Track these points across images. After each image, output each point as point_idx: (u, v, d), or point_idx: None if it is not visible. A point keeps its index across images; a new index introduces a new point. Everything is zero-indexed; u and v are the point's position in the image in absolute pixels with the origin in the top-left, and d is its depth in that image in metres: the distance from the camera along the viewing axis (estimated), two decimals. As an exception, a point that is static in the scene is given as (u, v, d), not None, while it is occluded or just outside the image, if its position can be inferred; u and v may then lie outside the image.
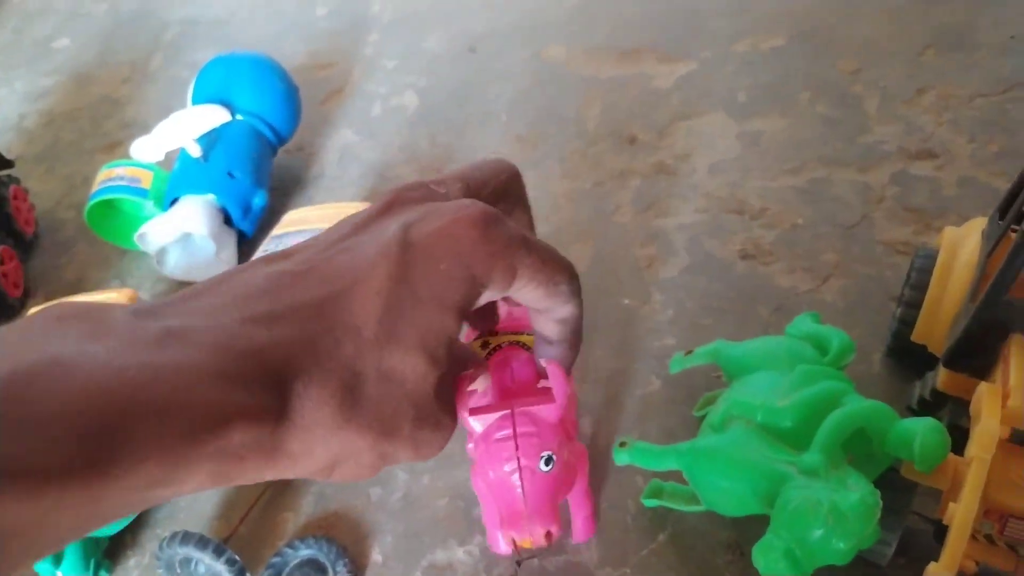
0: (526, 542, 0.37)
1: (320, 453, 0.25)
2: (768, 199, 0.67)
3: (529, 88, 0.84)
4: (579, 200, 0.70)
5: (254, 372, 0.24)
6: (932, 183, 0.65)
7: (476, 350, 0.43)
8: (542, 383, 0.38)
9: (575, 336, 0.34)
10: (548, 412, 0.37)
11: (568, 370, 0.35)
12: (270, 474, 0.25)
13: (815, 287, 0.59)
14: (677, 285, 0.61)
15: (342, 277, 0.26)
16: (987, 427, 0.35)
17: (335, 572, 0.46)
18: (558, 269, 0.30)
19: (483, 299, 0.28)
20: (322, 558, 0.46)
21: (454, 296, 0.27)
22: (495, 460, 0.37)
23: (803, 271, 0.60)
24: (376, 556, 0.48)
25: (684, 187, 0.69)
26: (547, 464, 0.37)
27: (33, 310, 0.28)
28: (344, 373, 0.25)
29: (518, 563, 0.39)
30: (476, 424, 0.37)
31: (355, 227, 0.28)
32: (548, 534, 0.37)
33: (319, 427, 0.25)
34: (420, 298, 0.26)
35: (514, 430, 0.37)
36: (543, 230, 0.67)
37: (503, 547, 0.39)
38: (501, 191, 0.33)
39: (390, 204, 0.29)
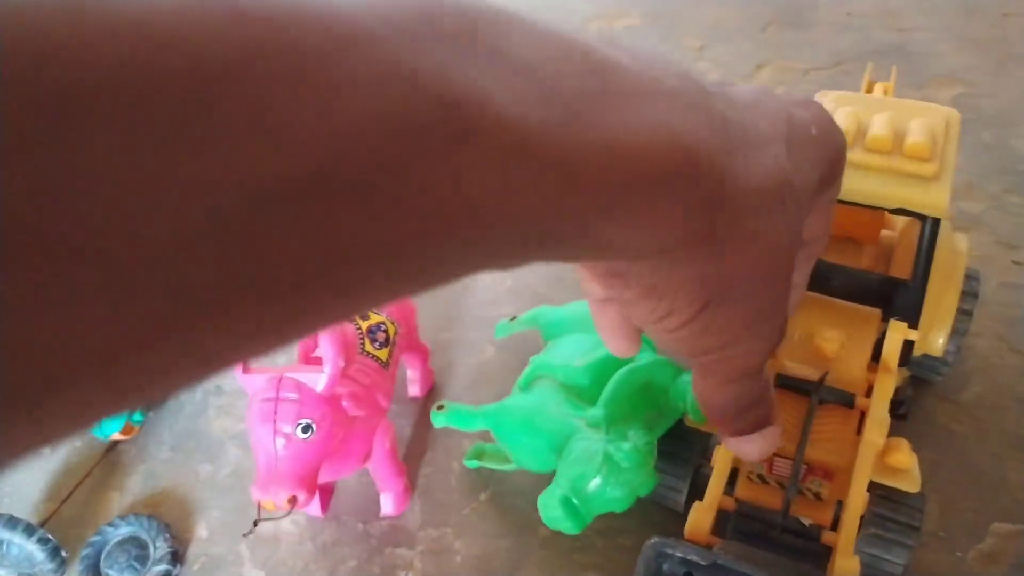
0: (269, 504, 0.38)
1: (732, 254, 0.22)
2: (610, 172, 0.69)
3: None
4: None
5: (720, 120, 0.21)
6: (763, 153, 0.68)
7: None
8: (316, 352, 0.39)
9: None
10: (315, 382, 0.38)
11: None
12: (683, 262, 0.21)
13: (646, 254, 0.61)
14: (518, 257, 0.63)
15: (759, 100, 0.24)
16: (748, 373, 0.37)
17: (155, 547, 0.46)
18: None
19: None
20: (143, 534, 0.46)
21: (821, 156, 0.25)
22: (257, 420, 0.38)
23: (637, 240, 0.62)
24: (202, 531, 0.48)
25: (531, 162, 0.71)
26: (305, 431, 0.38)
27: None
28: (772, 167, 0.22)
29: (255, 523, 0.40)
30: (249, 384, 0.38)
31: (757, 91, 0.25)
32: (292, 499, 0.38)
33: (744, 209, 0.21)
34: (803, 144, 0.24)
35: (277, 394, 0.38)
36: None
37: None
38: None
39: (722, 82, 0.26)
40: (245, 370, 0.40)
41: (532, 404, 0.43)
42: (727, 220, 0.21)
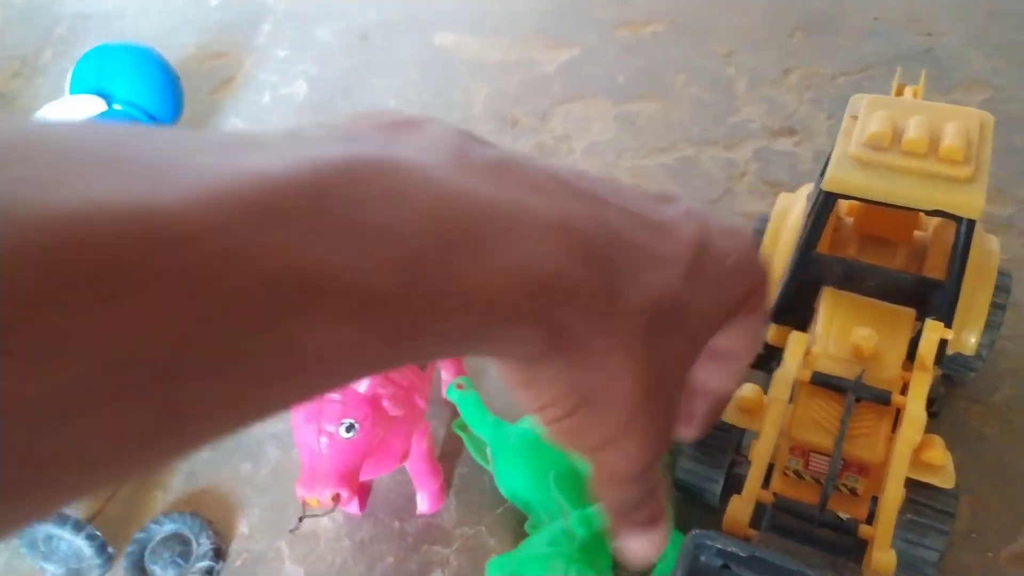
0: (313, 501, 0.39)
1: (602, 366, 0.22)
2: (639, 176, 0.69)
3: (418, 75, 0.85)
4: (460, 182, 0.72)
5: (594, 240, 0.21)
6: (791, 158, 0.69)
7: None
8: None
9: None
10: (358, 382, 0.39)
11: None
12: (553, 370, 0.22)
13: (676, 257, 0.62)
14: (548, 260, 0.63)
15: (656, 214, 0.24)
16: (784, 372, 0.38)
17: (199, 543, 0.47)
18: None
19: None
20: (186, 531, 0.47)
21: (728, 294, 0.25)
22: (302, 419, 0.39)
23: (667, 243, 0.63)
24: (243, 528, 0.49)
25: (560, 167, 0.71)
26: (348, 431, 0.39)
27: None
28: (660, 290, 0.22)
29: (300, 519, 0.41)
30: None
31: (648, 196, 0.25)
32: (336, 497, 0.39)
33: (622, 332, 0.22)
34: (710, 277, 0.24)
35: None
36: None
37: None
38: None
39: (663, 197, 0.27)
40: None
41: (534, 450, 0.44)
42: (596, 333, 0.21)
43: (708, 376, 0.28)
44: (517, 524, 0.48)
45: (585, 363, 0.22)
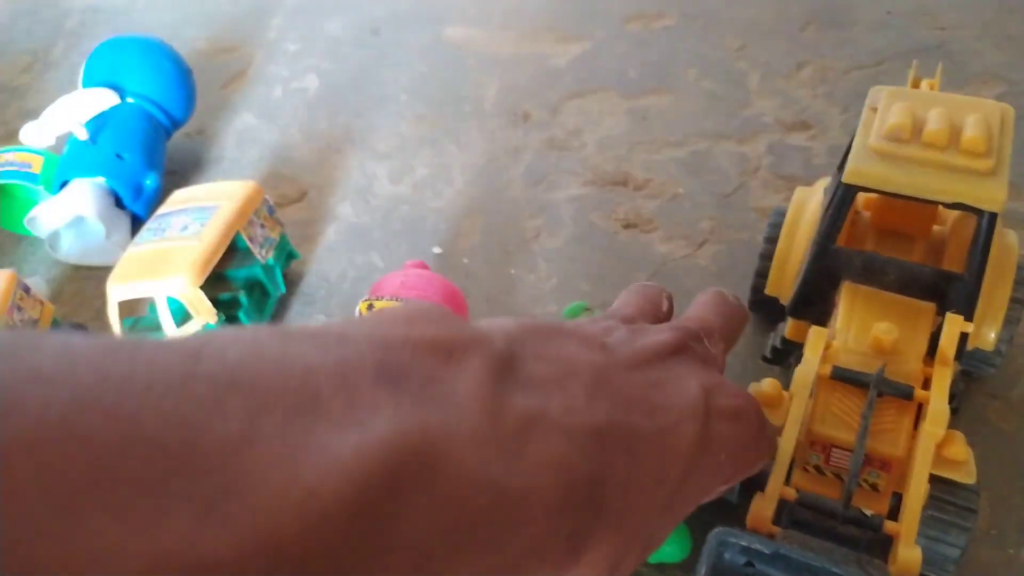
0: None
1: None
2: (652, 171, 0.69)
3: (429, 69, 0.85)
4: (472, 175, 0.72)
5: (588, 506, 0.21)
6: (805, 152, 0.68)
7: (362, 311, 0.45)
8: None
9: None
10: None
11: None
12: None
13: (690, 252, 0.62)
14: (562, 255, 0.63)
15: (655, 414, 0.24)
16: (805, 367, 0.38)
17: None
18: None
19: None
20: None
21: (717, 482, 0.26)
22: None
23: (680, 238, 0.63)
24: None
25: (573, 161, 0.71)
26: None
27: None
28: (635, 531, 0.23)
29: None
30: None
31: (654, 354, 0.26)
32: None
33: (588, 568, 0.22)
34: (703, 474, 0.25)
35: None
36: (435, 205, 0.69)
37: None
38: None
39: (679, 348, 0.28)
40: None
41: None
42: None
43: None
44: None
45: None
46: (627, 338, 0.27)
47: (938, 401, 0.36)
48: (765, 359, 0.49)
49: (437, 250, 0.65)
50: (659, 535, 0.25)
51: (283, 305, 0.62)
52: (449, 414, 0.19)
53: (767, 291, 0.50)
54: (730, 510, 0.45)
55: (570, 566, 0.21)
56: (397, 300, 0.46)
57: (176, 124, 0.73)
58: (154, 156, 0.69)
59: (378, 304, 0.46)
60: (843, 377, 0.38)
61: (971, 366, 0.47)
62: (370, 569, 0.16)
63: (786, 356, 0.48)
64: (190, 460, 0.14)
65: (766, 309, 0.52)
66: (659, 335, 0.28)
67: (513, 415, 0.20)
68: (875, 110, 0.43)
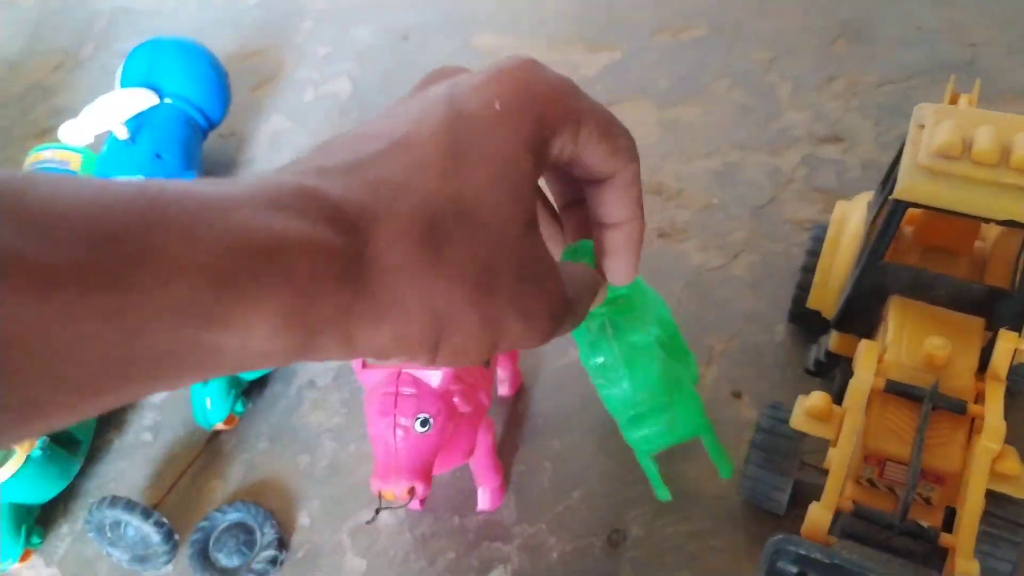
0: (389, 494, 0.40)
1: (414, 305, 0.22)
2: (684, 181, 0.70)
3: (459, 76, 0.86)
4: (505, 183, 0.72)
5: (311, 205, 0.21)
6: (838, 165, 0.69)
7: None
8: None
9: (640, 205, 0.29)
10: (431, 378, 0.40)
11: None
12: (361, 333, 0.22)
13: (725, 263, 0.62)
14: (597, 262, 0.64)
15: (394, 131, 0.23)
16: (859, 380, 0.38)
17: (263, 533, 0.48)
18: (614, 121, 0.27)
19: (555, 147, 0.25)
20: (250, 520, 0.48)
21: (520, 131, 0.24)
22: (376, 413, 0.40)
23: (715, 248, 0.63)
24: (304, 519, 0.50)
25: (606, 170, 0.72)
26: (423, 425, 0.40)
27: None
28: (418, 211, 0.22)
29: (377, 511, 0.41)
30: (367, 378, 0.40)
31: (401, 99, 0.26)
32: (411, 490, 0.39)
33: (404, 270, 0.22)
34: (482, 135, 0.23)
35: (396, 388, 0.39)
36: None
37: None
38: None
39: (430, 78, 0.27)
40: (364, 365, 0.41)
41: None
42: (371, 282, 0.21)
43: (600, 210, 0.28)
44: (577, 523, 0.48)
45: (391, 313, 0.22)
46: None
47: (994, 416, 0.36)
48: (808, 371, 0.50)
49: (472, 256, 0.65)
50: (490, 194, 0.24)
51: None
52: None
53: (809, 304, 0.50)
54: (775, 520, 0.45)
55: (354, 256, 0.21)
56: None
57: (212, 125, 0.74)
58: (192, 156, 0.69)
59: None
60: (898, 391, 0.38)
61: (1012, 382, 0.48)
62: None
63: (829, 368, 0.48)
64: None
65: (807, 321, 0.52)
66: None
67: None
68: (922, 127, 0.44)
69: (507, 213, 0.24)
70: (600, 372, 0.37)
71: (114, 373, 0.19)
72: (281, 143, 0.81)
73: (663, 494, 0.45)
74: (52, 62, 0.98)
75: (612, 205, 0.28)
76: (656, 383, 0.38)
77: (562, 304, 0.26)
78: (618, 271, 0.29)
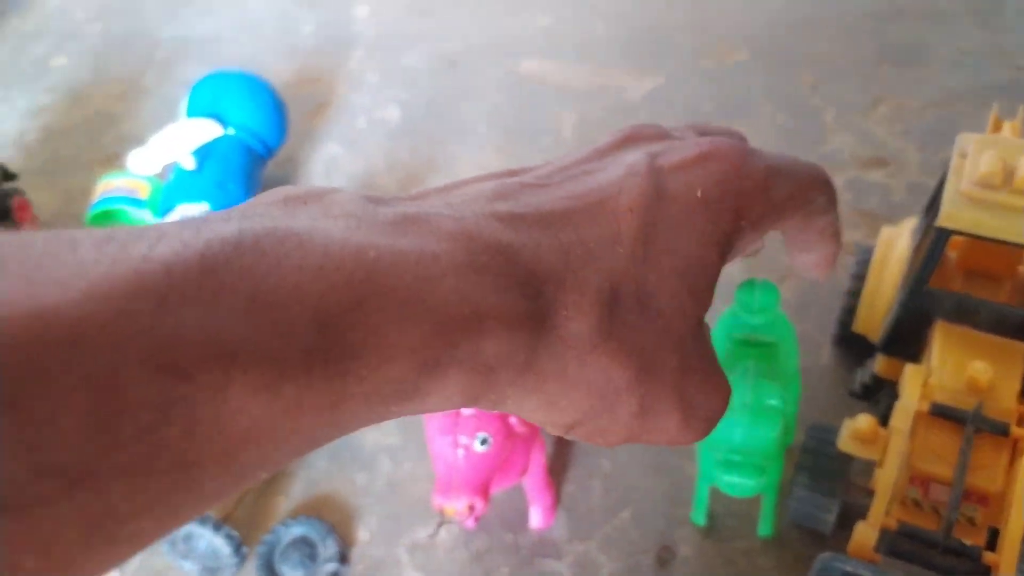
0: (450, 510, 0.42)
1: (575, 380, 0.21)
2: (730, 204, 0.71)
3: (506, 101, 0.88)
4: (553, 207, 0.74)
5: (506, 268, 0.20)
6: (883, 189, 0.70)
7: None
8: None
9: (837, 235, 0.30)
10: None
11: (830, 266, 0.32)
12: (514, 399, 0.21)
13: (771, 285, 0.63)
14: (644, 285, 0.65)
15: (589, 193, 0.23)
16: (905, 403, 0.40)
17: (325, 547, 0.50)
18: (815, 188, 0.27)
19: (749, 239, 0.25)
20: (313, 535, 0.50)
21: (715, 226, 0.23)
22: (438, 432, 0.42)
23: (761, 271, 0.65)
24: (363, 534, 0.52)
25: (652, 194, 0.73)
26: (483, 444, 0.42)
27: None
28: (601, 284, 0.21)
29: (438, 525, 0.44)
30: None
31: (594, 152, 0.25)
32: (471, 507, 0.41)
33: (576, 340, 0.21)
34: (678, 222, 0.23)
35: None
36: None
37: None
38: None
39: (627, 137, 0.26)
40: None
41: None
42: (541, 355, 0.21)
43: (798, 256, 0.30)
44: (628, 542, 0.50)
45: (548, 383, 0.21)
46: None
47: (1037, 439, 0.37)
48: (854, 394, 0.51)
49: (522, 278, 0.67)
50: (669, 286, 0.23)
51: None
52: (313, 219, 0.19)
53: (855, 328, 0.51)
54: (823, 539, 0.46)
55: (542, 325, 0.21)
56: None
57: (271, 153, 0.77)
58: (254, 185, 0.72)
59: None
60: (942, 413, 0.39)
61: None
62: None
63: (875, 392, 0.49)
64: None
65: (852, 345, 0.53)
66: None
67: (386, 215, 0.21)
68: (964, 156, 0.45)
69: (684, 306, 0.23)
70: None
71: (305, 452, 0.19)
72: (334, 169, 0.83)
73: (700, 518, 0.47)
74: (116, 90, 1.03)
75: (806, 242, 0.30)
76: (765, 448, 0.41)
77: (724, 401, 0.24)
78: (812, 273, 0.32)
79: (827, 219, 0.28)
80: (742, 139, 0.28)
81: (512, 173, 0.25)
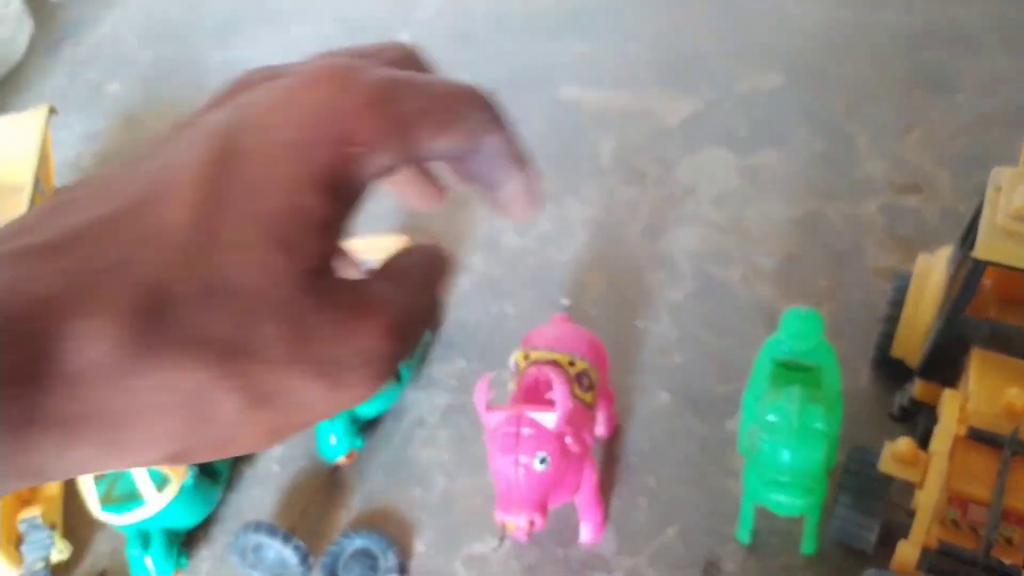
0: (511, 525, 0.44)
1: (126, 407, 0.18)
2: (766, 228, 0.73)
3: (546, 127, 0.91)
4: (594, 229, 0.77)
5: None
6: (917, 214, 0.72)
7: (518, 361, 0.50)
8: (549, 395, 0.45)
9: (518, 160, 0.24)
10: (549, 420, 0.44)
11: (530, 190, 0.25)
12: (77, 461, 0.18)
13: (809, 309, 0.65)
14: (683, 308, 0.68)
15: (140, 186, 0.19)
16: (944, 427, 0.42)
17: (385, 559, 0.52)
18: (459, 101, 0.23)
19: (375, 164, 0.21)
20: (373, 547, 0.53)
21: (307, 165, 0.20)
22: (499, 451, 0.44)
23: (799, 296, 0.67)
24: (420, 547, 0.55)
25: (690, 217, 0.76)
26: (542, 463, 0.44)
27: None
28: (135, 293, 0.18)
29: (501, 539, 0.46)
30: (490, 419, 0.45)
31: (175, 128, 0.22)
32: (531, 523, 0.44)
33: (104, 369, 0.17)
34: (257, 178, 0.19)
35: (518, 429, 0.44)
36: (560, 258, 0.74)
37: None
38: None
39: (229, 91, 0.23)
40: (487, 407, 0.46)
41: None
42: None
43: (476, 178, 0.24)
44: (674, 557, 0.52)
45: (91, 427, 0.18)
46: None
47: (1072, 463, 0.39)
48: (892, 417, 0.53)
49: (565, 301, 0.70)
50: (254, 257, 0.19)
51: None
52: None
53: (893, 353, 0.53)
54: (865, 557, 0.48)
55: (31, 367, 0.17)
56: (553, 351, 0.51)
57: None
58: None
59: (534, 354, 0.51)
60: (979, 438, 0.41)
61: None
62: None
63: (913, 415, 0.51)
64: None
65: (890, 368, 0.55)
66: None
67: None
68: (999, 190, 0.47)
69: (275, 267, 0.19)
70: (768, 428, 0.43)
71: None
72: (378, 193, 0.86)
73: (744, 536, 0.50)
74: (168, 114, 1.07)
75: (485, 175, 0.24)
76: (811, 469, 0.43)
77: (375, 337, 0.20)
78: (516, 214, 0.25)
79: (495, 139, 0.24)
80: (375, 55, 0.24)
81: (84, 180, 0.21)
